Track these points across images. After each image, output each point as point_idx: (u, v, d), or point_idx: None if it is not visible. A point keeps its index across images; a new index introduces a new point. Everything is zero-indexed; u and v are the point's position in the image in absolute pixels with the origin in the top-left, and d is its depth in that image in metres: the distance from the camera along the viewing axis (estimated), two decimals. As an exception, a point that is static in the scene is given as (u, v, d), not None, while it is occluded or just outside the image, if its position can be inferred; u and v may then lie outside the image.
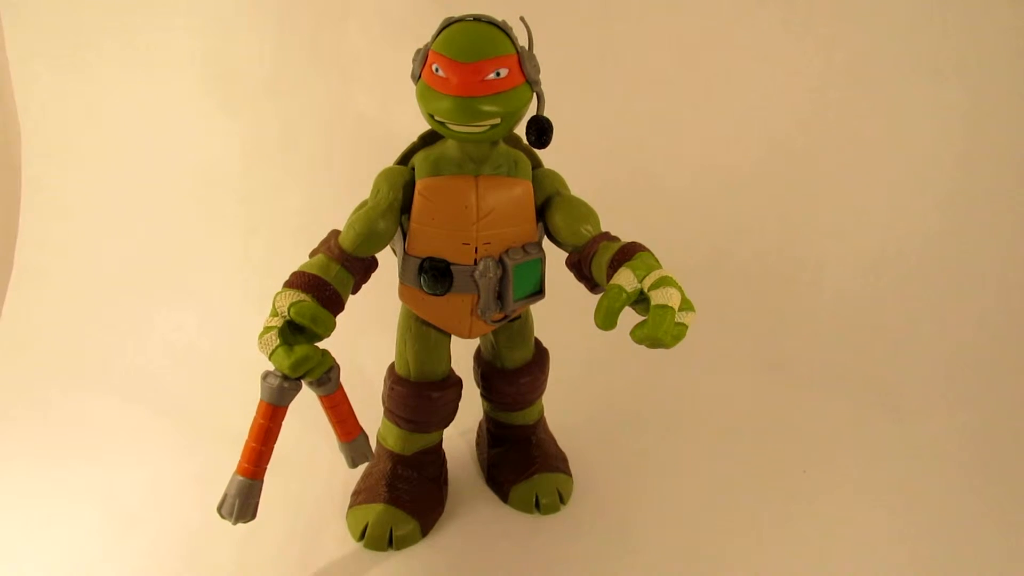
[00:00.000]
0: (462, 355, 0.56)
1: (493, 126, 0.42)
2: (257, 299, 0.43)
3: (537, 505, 0.53)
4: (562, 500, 0.54)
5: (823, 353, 0.77)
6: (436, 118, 0.42)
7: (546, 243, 0.49)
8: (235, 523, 0.42)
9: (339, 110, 0.78)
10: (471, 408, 0.59)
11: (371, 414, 0.54)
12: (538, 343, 0.55)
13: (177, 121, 0.79)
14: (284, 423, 0.43)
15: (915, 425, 0.67)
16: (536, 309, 0.53)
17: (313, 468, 0.58)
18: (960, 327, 0.78)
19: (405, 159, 0.48)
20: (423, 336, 0.50)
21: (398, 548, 0.50)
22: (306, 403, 0.46)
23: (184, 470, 0.58)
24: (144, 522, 0.52)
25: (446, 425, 0.53)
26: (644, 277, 0.39)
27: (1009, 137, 0.79)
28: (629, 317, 0.39)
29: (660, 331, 0.36)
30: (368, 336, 0.69)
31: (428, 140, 0.48)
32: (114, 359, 0.72)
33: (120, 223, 0.81)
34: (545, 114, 0.44)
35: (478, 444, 0.61)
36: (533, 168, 0.48)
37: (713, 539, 0.52)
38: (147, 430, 0.63)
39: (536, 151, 0.49)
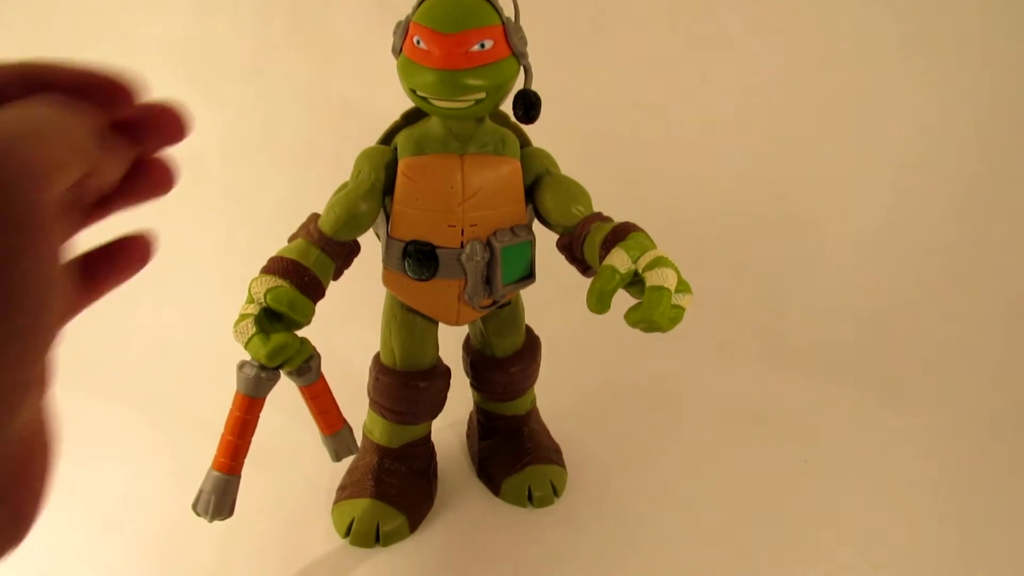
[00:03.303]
0: (451, 343, 0.54)
1: (478, 101, 0.40)
2: (240, 291, 0.41)
3: (530, 498, 0.52)
4: (556, 493, 0.53)
5: (824, 339, 0.75)
6: (418, 93, 0.40)
7: (536, 225, 0.47)
8: (211, 521, 0.40)
9: (322, 94, 0.76)
10: (461, 399, 0.57)
11: (357, 406, 0.52)
12: (529, 330, 0.54)
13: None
14: (266, 415, 0.42)
15: (919, 413, 0.65)
16: (526, 295, 0.51)
17: (297, 462, 0.56)
18: (965, 314, 0.77)
19: (388, 139, 0.46)
20: (409, 324, 0.48)
21: (385, 544, 0.48)
22: (289, 394, 0.44)
23: (164, 466, 0.56)
24: (122, 520, 0.51)
25: (434, 416, 0.51)
26: (638, 258, 0.37)
27: (1020, 113, 0.77)
28: (623, 300, 0.37)
29: (656, 313, 0.35)
30: (353, 325, 0.67)
31: (411, 118, 0.46)
32: (93, 354, 0.70)
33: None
34: (533, 88, 0.42)
35: (468, 436, 0.59)
36: (521, 147, 0.46)
37: (712, 531, 0.51)
38: (127, 426, 0.61)
39: (524, 129, 0.47)
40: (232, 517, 0.42)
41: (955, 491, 0.56)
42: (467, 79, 0.38)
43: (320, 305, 0.43)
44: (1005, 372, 0.71)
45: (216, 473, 0.40)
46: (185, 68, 0.77)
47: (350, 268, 0.45)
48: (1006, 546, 0.50)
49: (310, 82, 0.76)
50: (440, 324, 0.49)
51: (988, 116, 0.77)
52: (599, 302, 0.37)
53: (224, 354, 0.42)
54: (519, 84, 0.42)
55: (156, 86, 0.72)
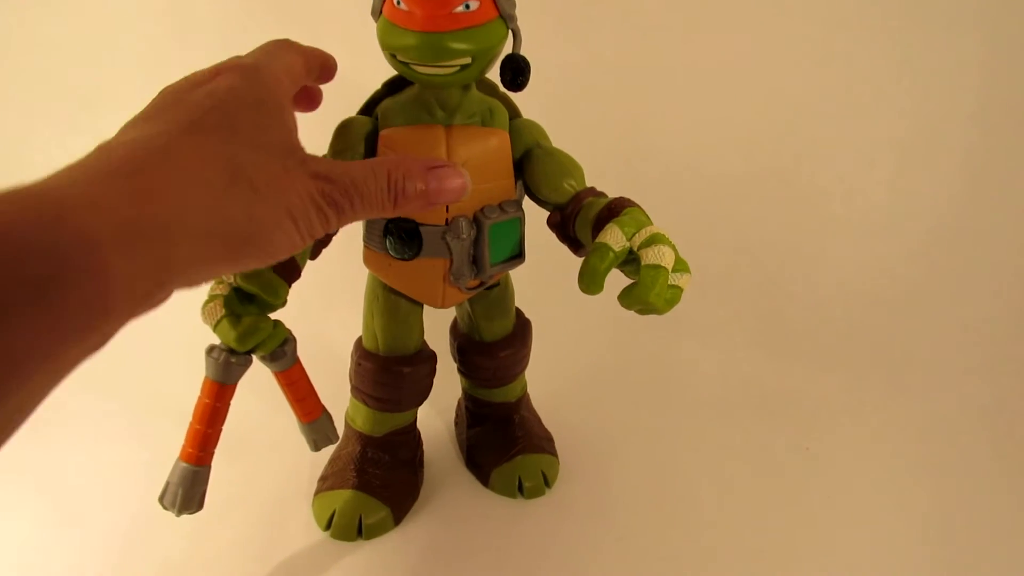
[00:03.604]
0: (438, 327, 0.52)
1: (463, 67, 0.37)
2: None
3: (520, 489, 0.50)
4: (547, 483, 0.51)
5: (825, 323, 0.73)
6: (399, 58, 0.37)
7: (526, 202, 0.44)
8: (179, 514, 0.38)
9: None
10: (449, 385, 0.55)
11: (344, 393, 0.50)
12: (519, 313, 0.51)
13: (133, 77, 0.74)
14: (242, 400, 0.40)
15: (923, 399, 0.63)
16: (517, 276, 0.49)
17: (276, 451, 0.54)
18: (970, 296, 0.74)
19: (368, 109, 0.43)
20: (392, 306, 0.45)
21: (368, 538, 0.46)
22: (267, 378, 0.42)
23: (133, 455, 0.53)
24: (88, 512, 0.48)
25: (419, 403, 0.49)
26: (634, 234, 0.35)
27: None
28: (618, 281, 0.35)
29: (652, 294, 0.32)
30: (338, 307, 0.64)
31: (393, 87, 0.43)
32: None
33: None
34: (522, 53, 0.39)
35: (456, 424, 0.57)
36: (511, 118, 0.43)
37: (709, 522, 0.49)
38: (93, 411, 0.58)
39: (514, 100, 0.44)
40: (205, 509, 0.40)
41: (963, 479, 0.54)
42: (451, 42, 0.36)
43: (303, 287, 0.41)
44: (1010, 357, 0.69)
45: (184, 464, 0.38)
46: (162, 39, 0.74)
47: (336, 247, 0.43)
48: (1009, 533, 0.48)
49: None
50: (425, 307, 0.46)
51: (994, 93, 0.75)
52: (591, 282, 0.34)
53: (199, 336, 0.40)
54: (507, 49, 0.39)
55: (136, 52, 0.69)
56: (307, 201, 0.26)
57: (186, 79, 0.27)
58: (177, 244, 0.22)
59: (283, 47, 0.31)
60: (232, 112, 0.25)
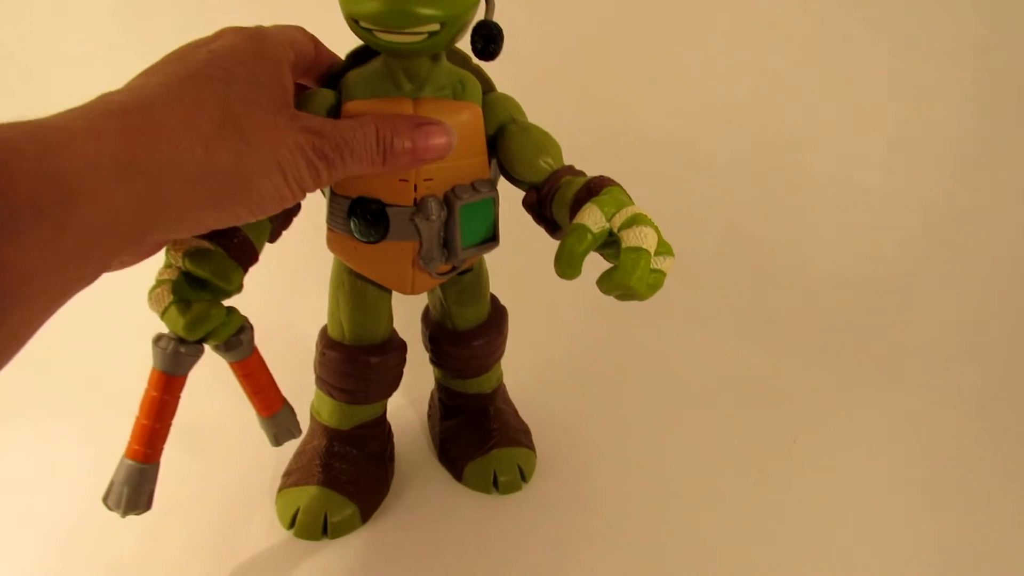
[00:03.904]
0: (410, 315, 0.49)
1: (431, 34, 0.34)
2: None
3: (495, 483, 0.48)
4: (524, 477, 0.49)
5: (815, 311, 0.71)
6: (362, 25, 0.34)
7: (501, 182, 0.42)
8: (124, 515, 0.35)
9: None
10: (423, 376, 0.52)
11: (312, 385, 0.47)
12: (494, 300, 0.49)
13: (89, 57, 0.70)
14: (207, 391, 0.37)
15: (913, 390, 0.62)
16: (492, 261, 0.47)
17: (241, 445, 0.51)
18: (962, 285, 0.73)
19: (331, 81, 0.40)
20: (358, 293, 0.43)
21: (334, 536, 0.44)
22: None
23: (81, 451, 0.51)
24: (31, 512, 0.45)
25: (388, 395, 0.46)
26: (614, 215, 0.33)
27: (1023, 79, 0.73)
28: (598, 265, 0.33)
29: (633, 278, 0.30)
30: (308, 294, 0.61)
31: (358, 59, 0.40)
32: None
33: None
34: (495, 20, 0.36)
35: (430, 416, 0.54)
36: (484, 92, 0.40)
37: (692, 517, 0.47)
38: (41, 406, 0.55)
39: (489, 75, 0.42)
40: (160, 508, 0.37)
41: (949, 468, 0.52)
42: (417, 7, 0.33)
43: (268, 273, 0.38)
44: (1002, 346, 0.68)
45: (129, 462, 0.35)
46: (122, 15, 0.71)
47: (304, 229, 0.41)
48: (1001, 522, 0.47)
49: (256, 24, 0.70)
50: (395, 293, 0.44)
51: (989, 78, 0.73)
52: (568, 265, 0.32)
53: (152, 323, 0.37)
54: (480, 16, 0.37)
55: (92, 34, 0.65)
56: (297, 154, 0.27)
57: (192, 42, 0.30)
58: (166, 184, 0.23)
59: (294, 26, 0.35)
60: (229, 67, 0.27)
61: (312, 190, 0.29)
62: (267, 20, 0.70)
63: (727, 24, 0.73)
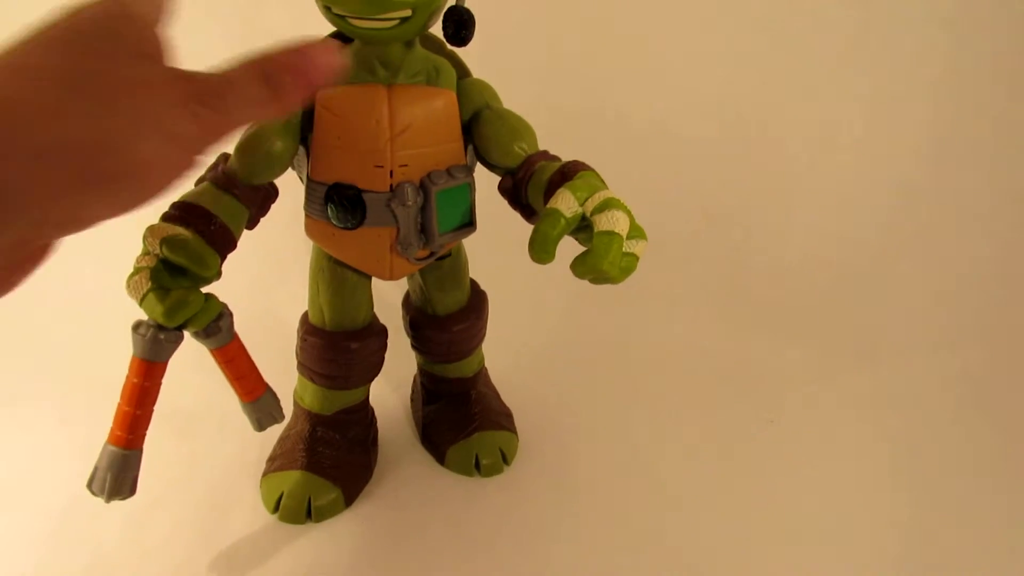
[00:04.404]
0: (390, 300, 0.49)
1: (403, 19, 0.34)
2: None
3: (477, 466, 0.48)
4: (505, 460, 0.49)
5: (791, 291, 0.72)
6: (334, 10, 0.35)
7: (479, 169, 0.42)
8: (108, 500, 0.36)
9: (247, 26, 0.69)
10: (405, 361, 0.53)
11: (294, 371, 0.48)
12: (474, 285, 0.49)
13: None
14: (190, 377, 0.37)
15: (891, 369, 0.63)
16: (471, 245, 0.47)
17: (224, 430, 0.51)
18: (940, 263, 0.74)
19: (306, 69, 0.41)
20: (338, 278, 0.43)
21: (318, 520, 0.44)
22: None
23: (64, 437, 0.51)
24: (16, 495, 0.46)
25: (370, 380, 0.47)
26: (586, 199, 0.33)
27: (996, 60, 0.73)
28: (573, 249, 0.33)
29: (605, 262, 0.31)
30: (291, 280, 0.62)
31: (333, 45, 0.41)
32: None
33: None
34: (467, 7, 0.37)
35: (412, 401, 0.55)
36: (459, 78, 0.41)
37: (672, 498, 0.47)
38: (21, 392, 0.56)
39: (463, 60, 0.42)
40: (144, 493, 0.37)
41: (934, 450, 0.53)
42: None
43: (250, 259, 0.38)
44: (980, 325, 0.69)
45: (112, 448, 0.36)
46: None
47: (285, 216, 0.41)
48: (975, 502, 0.48)
49: (234, 12, 0.70)
50: (375, 279, 0.44)
51: (961, 57, 0.74)
52: (542, 250, 0.33)
53: (132, 310, 0.37)
54: (451, 1, 0.37)
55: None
56: (174, 107, 0.23)
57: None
58: (5, 163, 0.20)
59: None
60: (85, 30, 0.23)
61: (205, 149, 0.24)
62: (253, 10, 0.70)
63: (702, 7, 0.73)
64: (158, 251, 0.35)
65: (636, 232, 0.33)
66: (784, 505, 0.47)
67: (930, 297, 0.72)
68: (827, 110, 0.75)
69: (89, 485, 0.36)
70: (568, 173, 0.35)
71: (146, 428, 0.36)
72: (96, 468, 0.36)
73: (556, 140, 0.43)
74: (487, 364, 0.54)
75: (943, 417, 0.57)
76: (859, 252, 0.75)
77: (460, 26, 0.36)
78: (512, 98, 0.42)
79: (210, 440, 0.51)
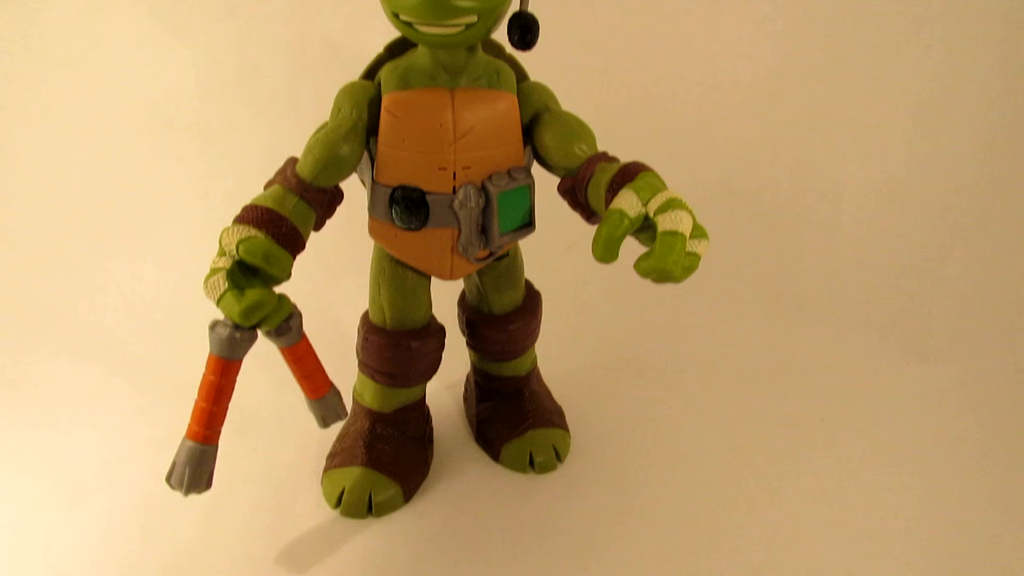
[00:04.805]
0: (445, 299, 0.50)
1: (469, 25, 0.35)
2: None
3: (531, 463, 0.49)
4: (559, 457, 0.50)
5: (841, 290, 0.71)
6: (401, 17, 0.36)
7: (536, 168, 0.43)
8: (186, 494, 0.37)
9: (302, 30, 0.70)
10: (458, 359, 0.54)
11: (351, 369, 0.49)
12: (529, 285, 0.50)
13: (121, 48, 0.72)
14: (249, 376, 0.38)
15: (942, 368, 0.62)
16: (526, 246, 0.48)
17: (285, 428, 0.53)
18: (990, 261, 0.72)
19: (370, 73, 0.42)
20: (399, 278, 0.44)
21: (378, 515, 0.45)
22: (275, 352, 0.40)
23: (141, 434, 0.53)
24: (97, 491, 0.47)
25: (428, 378, 0.48)
26: (649, 200, 0.33)
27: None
28: (632, 249, 0.34)
29: (669, 262, 0.31)
30: (343, 280, 0.63)
31: (396, 51, 0.42)
32: (65, 314, 0.66)
33: (66, 165, 0.74)
34: (530, 11, 0.37)
35: (466, 399, 0.56)
36: (518, 81, 0.41)
37: (723, 497, 0.48)
38: (101, 391, 0.58)
39: (521, 63, 0.43)
40: (214, 488, 0.39)
41: (977, 447, 0.53)
42: (456, 0, 0.34)
43: (307, 259, 0.40)
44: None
45: (190, 443, 0.37)
46: (152, 4, 0.72)
47: (339, 218, 0.42)
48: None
49: (288, 17, 0.71)
50: (433, 279, 0.45)
51: (1016, 54, 0.72)
52: (606, 250, 0.33)
53: (205, 312, 0.38)
54: (515, 7, 0.38)
55: (123, 24, 0.67)
56: None
57: None
58: None
59: None
60: None
61: None
62: (308, 16, 0.72)
63: (752, 6, 0.73)
64: (235, 253, 0.36)
65: (698, 232, 0.33)
66: (837, 504, 0.47)
67: (980, 294, 0.71)
68: (878, 105, 0.75)
69: (168, 479, 0.37)
70: (629, 174, 0.36)
71: (221, 424, 0.38)
72: (175, 463, 0.37)
73: (607, 139, 0.43)
74: (539, 363, 0.54)
75: (995, 413, 0.56)
76: (909, 249, 0.74)
77: (525, 31, 0.37)
78: (564, 97, 0.43)
79: (271, 438, 0.52)
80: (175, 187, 0.75)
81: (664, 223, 0.32)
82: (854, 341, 0.65)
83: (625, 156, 0.40)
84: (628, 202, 0.33)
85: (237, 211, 0.38)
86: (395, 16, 0.36)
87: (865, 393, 0.59)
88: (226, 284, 0.36)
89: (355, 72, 0.43)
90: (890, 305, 0.70)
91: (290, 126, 0.71)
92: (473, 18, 0.35)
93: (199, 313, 0.49)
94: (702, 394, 0.58)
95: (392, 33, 0.39)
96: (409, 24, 0.36)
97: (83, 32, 0.72)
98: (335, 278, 0.64)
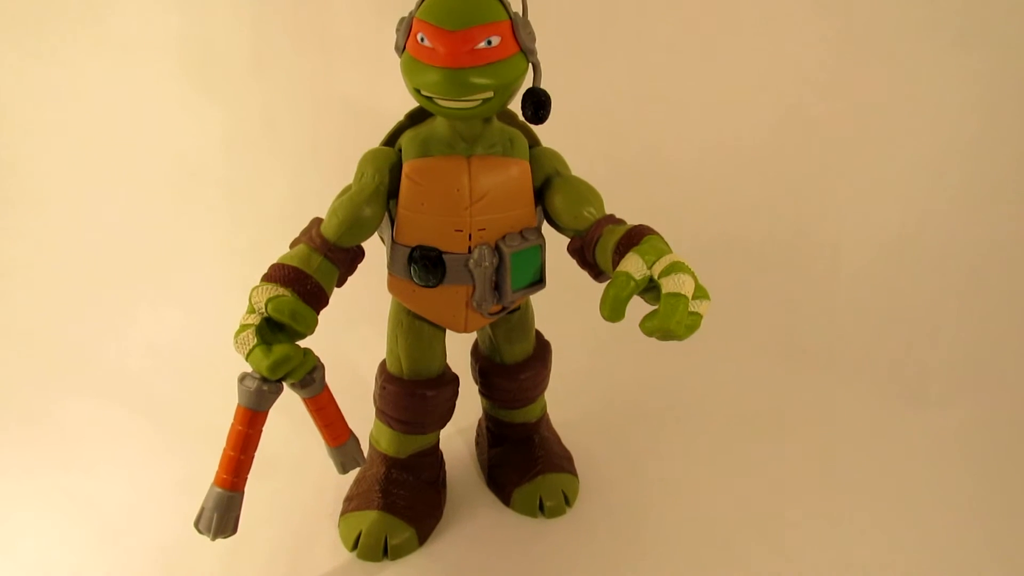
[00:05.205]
0: (459, 350, 0.52)
1: (485, 100, 0.38)
2: (243, 292, 0.40)
3: (541, 508, 0.50)
4: (568, 502, 0.51)
5: (842, 339, 0.73)
6: (423, 93, 0.38)
7: (546, 228, 0.45)
8: (214, 539, 0.39)
9: (324, 91, 0.74)
10: (470, 406, 0.55)
11: (366, 415, 0.51)
12: (539, 336, 0.52)
13: (153, 105, 0.76)
14: (271, 422, 0.40)
15: (941, 414, 0.63)
16: (537, 300, 0.50)
17: (303, 472, 0.55)
18: (988, 308, 0.74)
19: (391, 140, 0.45)
20: (415, 331, 0.46)
21: (394, 558, 0.47)
22: (295, 400, 0.42)
23: (166, 477, 0.55)
24: (121, 533, 0.49)
25: (442, 425, 0.50)
26: (654, 263, 0.35)
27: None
28: (637, 307, 0.36)
29: (672, 322, 0.33)
30: (360, 329, 0.65)
31: (416, 118, 0.44)
32: (92, 358, 0.69)
33: (97, 214, 0.77)
34: (542, 86, 0.40)
35: (478, 444, 0.57)
36: (530, 147, 0.44)
37: (729, 541, 0.49)
38: (127, 434, 0.60)
39: (533, 128, 0.45)
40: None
41: (977, 492, 0.54)
42: (474, 78, 0.37)
43: (328, 310, 0.42)
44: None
45: (218, 489, 0.39)
46: (183, 64, 0.76)
47: (358, 272, 0.44)
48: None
49: (311, 79, 0.75)
50: (448, 330, 0.47)
51: (1011, 105, 0.75)
52: (613, 310, 0.35)
53: (229, 358, 0.41)
54: (528, 82, 0.40)
55: (155, 81, 0.71)
56: None
57: None
58: None
59: None
60: None
61: None
62: (330, 77, 0.75)
63: (749, 68, 0.76)
64: (263, 310, 0.38)
65: (700, 293, 0.35)
66: (839, 550, 0.48)
67: (983, 338, 0.72)
68: (876, 158, 0.77)
69: (196, 524, 0.39)
70: (635, 237, 0.38)
71: (248, 471, 0.40)
72: (203, 508, 0.39)
73: (615, 196, 0.45)
74: (548, 409, 0.56)
75: (994, 462, 0.58)
76: (908, 297, 0.76)
77: (538, 107, 0.39)
78: (574, 162, 0.45)
79: (288, 481, 0.54)
80: (201, 237, 0.78)
81: (668, 285, 0.34)
82: (855, 389, 0.66)
83: (633, 210, 0.43)
84: (634, 265, 0.36)
85: (259, 261, 0.40)
86: (417, 91, 0.39)
87: (866, 439, 0.60)
88: (255, 340, 0.38)
89: (372, 130, 0.45)
90: (890, 357, 0.71)
91: (310, 180, 0.75)
92: (490, 94, 0.38)
93: (222, 357, 0.51)
94: (706, 440, 0.60)
95: (409, 98, 0.41)
96: (429, 98, 0.38)
97: (117, 89, 0.75)
98: (354, 327, 0.66)
